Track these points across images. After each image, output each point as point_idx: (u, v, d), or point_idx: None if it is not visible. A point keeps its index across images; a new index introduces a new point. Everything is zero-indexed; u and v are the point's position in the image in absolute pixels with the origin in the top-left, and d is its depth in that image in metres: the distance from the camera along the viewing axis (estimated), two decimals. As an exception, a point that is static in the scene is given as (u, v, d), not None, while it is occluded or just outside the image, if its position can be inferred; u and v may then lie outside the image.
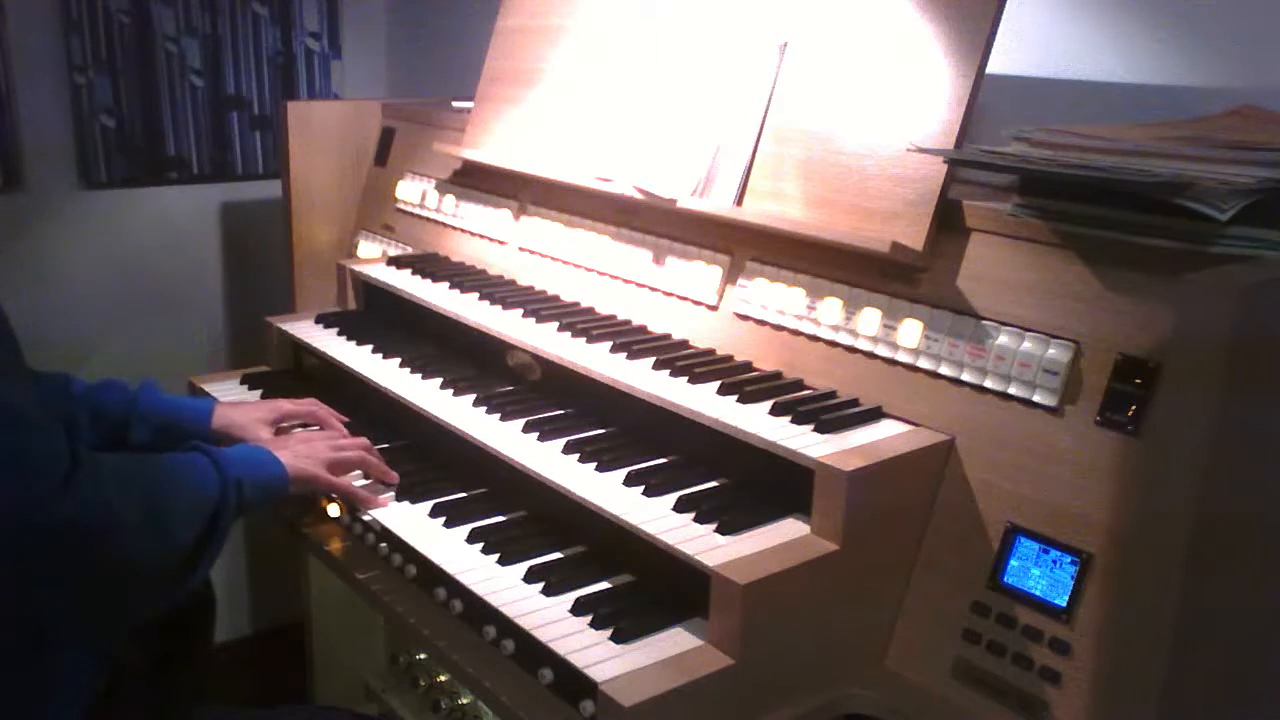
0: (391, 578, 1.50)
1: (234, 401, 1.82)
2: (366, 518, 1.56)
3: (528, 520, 1.55)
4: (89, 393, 1.67)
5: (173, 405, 1.72)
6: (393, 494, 1.61)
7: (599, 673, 1.19)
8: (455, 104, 2.43)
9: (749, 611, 1.21)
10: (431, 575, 1.43)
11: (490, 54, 2.19)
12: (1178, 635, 1.14)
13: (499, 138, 2.12)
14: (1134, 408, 1.22)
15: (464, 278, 2.01)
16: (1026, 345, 1.32)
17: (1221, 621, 1.22)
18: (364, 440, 1.66)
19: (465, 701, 2.07)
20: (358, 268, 2.16)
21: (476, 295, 1.92)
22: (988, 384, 1.35)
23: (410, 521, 1.54)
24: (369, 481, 1.63)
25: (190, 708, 1.59)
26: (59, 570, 1.19)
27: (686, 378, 1.54)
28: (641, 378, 1.55)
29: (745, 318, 1.65)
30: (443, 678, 2.14)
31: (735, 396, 1.47)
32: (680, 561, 1.27)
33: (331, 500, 1.64)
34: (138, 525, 1.24)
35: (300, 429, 1.75)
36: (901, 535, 1.37)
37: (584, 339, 1.69)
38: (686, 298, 1.74)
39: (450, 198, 2.26)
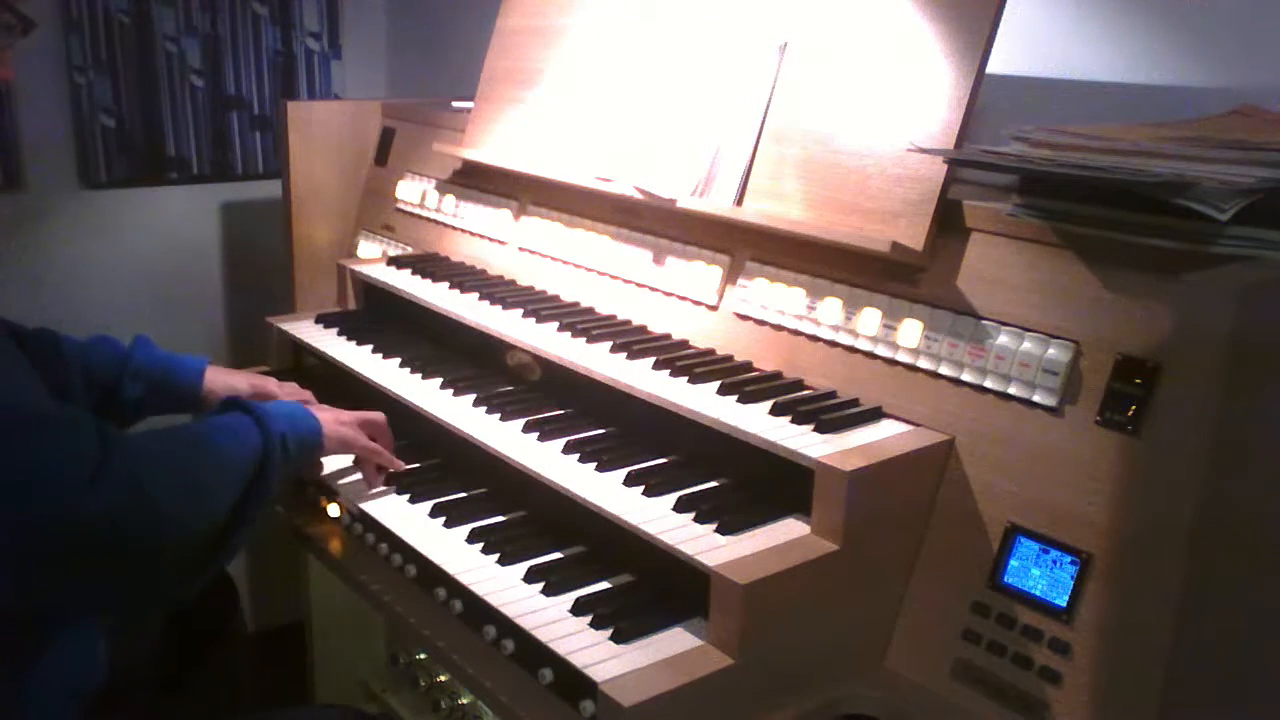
0: (391, 578, 1.50)
1: (224, 368, 1.81)
2: (366, 518, 1.56)
3: (528, 520, 1.55)
4: (81, 352, 1.64)
5: (166, 361, 1.71)
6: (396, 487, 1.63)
7: (599, 673, 1.19)
8: (455, 104, 2.43)
9: (749, 611, 1.21)
10: (431, 575, 1.43)
11: (490, 54, 2.19)
12: (1178, 635, 1.14)
13: (499, 138, 2.12)
14: (1134, 408, 1.22)
15: (464, 278, 2.01)
16: (1026, 345, 1.32)
17: (1222, 621, 1.22)
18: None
19: (465, 701, 2.07)
20: (358, 268, 2.16)
21: (476, 295, 1.92)
22: (988, 384, 1.35)
23: (410, 521, 1.54)
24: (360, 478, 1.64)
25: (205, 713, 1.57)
26: (91, 563, 1.15)
27: (686, 378, 1.54)
28: (641, 378, 1.55)
29: (745, 318, 1.65)
30: (443, 678, 2.14)
31: (735, 396, 1.47)
32: (680, 561, 1.27)
33: (332, 500, 1.64)
34: (174, 505, 1.21)
35: None
36: (901, 535, 1.37)
37: (584, 339, 1.69)
38: (686, 298, 1.74)
39: (450, 198, 2.26)
